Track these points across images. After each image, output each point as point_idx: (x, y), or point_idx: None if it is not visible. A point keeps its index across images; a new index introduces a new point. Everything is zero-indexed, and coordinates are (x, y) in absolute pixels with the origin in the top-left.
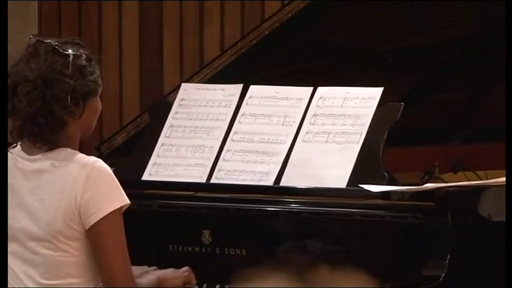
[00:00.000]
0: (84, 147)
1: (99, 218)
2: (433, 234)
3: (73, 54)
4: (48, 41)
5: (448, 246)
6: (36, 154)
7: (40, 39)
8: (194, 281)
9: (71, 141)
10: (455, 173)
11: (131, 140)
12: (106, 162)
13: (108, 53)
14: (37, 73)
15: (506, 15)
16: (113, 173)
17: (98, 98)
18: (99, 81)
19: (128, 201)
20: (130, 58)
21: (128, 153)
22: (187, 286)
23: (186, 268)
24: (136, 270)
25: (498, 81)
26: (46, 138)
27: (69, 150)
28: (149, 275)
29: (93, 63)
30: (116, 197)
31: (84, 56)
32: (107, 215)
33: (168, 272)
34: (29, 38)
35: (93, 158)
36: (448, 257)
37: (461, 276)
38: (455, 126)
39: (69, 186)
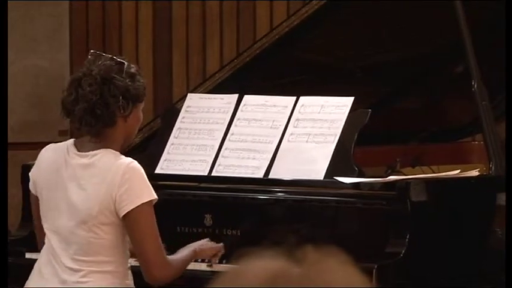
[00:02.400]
0: None
1: (130, 208)
2: (395, 218)
3: (126, 64)
4: (106, 54)
5: (407, 228)
6: (86, 151)
7: (99, 52)
8: (222, 251)
9: (116, 142)
10: (413, 167)
11: (146, 140)
12: None
13: None
14: (98, 71)
15: (506, 15)
16: (144, 173)
17: (141, 110)
18: (145, 92)
19: (156, 197)
20: (146, 73)
21: (144, 151)
22: (213, 259)
23: (220, 245)
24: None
25: (447, 92)
26: (99, 131)
27: (112, 150)
28: (183, 249)
29: (141, 76)
30: (145, 192)
31: (134, 68)
32: (137, 206)
33: (203, 243)
34: (90, 53)
35: (129, 159)
36: (407, 237)
37: (418, 252)
38: (413, 129)
39: (108, 181)
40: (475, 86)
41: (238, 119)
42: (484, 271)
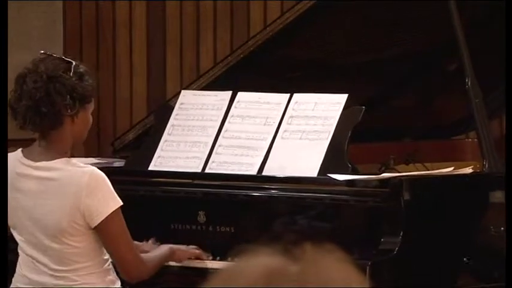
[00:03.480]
0: (101, 143)
1: (101, 219)
2: (388, 215)
3: (75, 63)
4: (55, 54)
5: (401, 225)
6: (39, 161)
7: (49, 53)
8: (204, 257)
9: (64, 145)
10: (407, 164)
11: (140, 137)
12: (119, 156)
13: (121, 67)
14: (44, 70)
15: (506, 15)
16: (107, 179)
17: (90, 113)
18: (93, 92)
19: (121, 203)
20: (139, 71)
21: (137, 148)
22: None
23: (195, 246)
24: (146, 246)
25: (440, 90)
26: (46, 133)
27: (68, 160)
28: (161, 247)
29: (90, 76)
30: (112, 200)
31: (83, 68)
32: (107, 216)
33: (180, 246)
34: (40, 54)
35: (90, 167)
36: (400, 234)
37: (412, 249)
38: (406, 126)
39: (73, 193)
40: (469, 83)
41: (232, 116)
42: (477, 268)
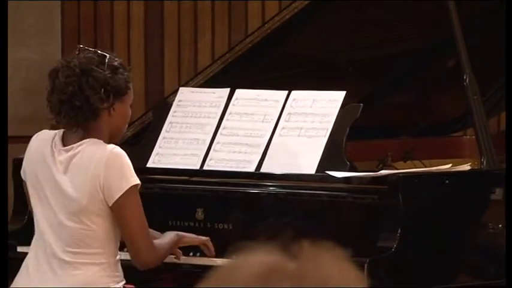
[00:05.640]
0: None
1: (118, 195)
2: (386, 212)
3: (109, 56)
4: (91, 48)
5: (399, 223)
6: (70, 144)
7: (87, 48)
8: (212, 250)
9: (101, 135)
10: (405, 161)
11: (138, 134)
12: None
13: None
14: (77, 63)
15: (506, 15)
16: (128, 158)
17: (128, 105)
18: (130, 86)
19: (139, 182)
20: (137, 68)
21: (135, 145)
22: (204, 249)
23: (206, 238)
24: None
25: (438, 88)
26: (82, 124)
27: (95, 140)
28: (166, 235)
29: (126, 69)
30: (131, 177)
31: (118, 61)
32: (125, 191)
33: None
34: (79, 47)
35: (112, 145)
36: (398, 231)
37: (410, 246)
38: (404, 123)
39: (93, 168)
40: (467, 80)
41: (230, 113)
42: (475, 266)
